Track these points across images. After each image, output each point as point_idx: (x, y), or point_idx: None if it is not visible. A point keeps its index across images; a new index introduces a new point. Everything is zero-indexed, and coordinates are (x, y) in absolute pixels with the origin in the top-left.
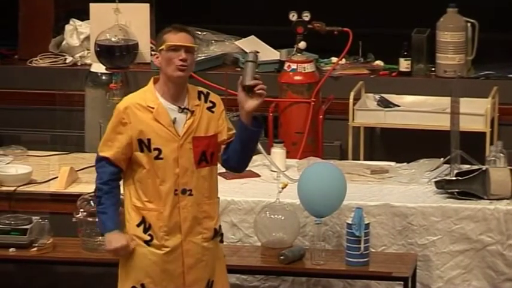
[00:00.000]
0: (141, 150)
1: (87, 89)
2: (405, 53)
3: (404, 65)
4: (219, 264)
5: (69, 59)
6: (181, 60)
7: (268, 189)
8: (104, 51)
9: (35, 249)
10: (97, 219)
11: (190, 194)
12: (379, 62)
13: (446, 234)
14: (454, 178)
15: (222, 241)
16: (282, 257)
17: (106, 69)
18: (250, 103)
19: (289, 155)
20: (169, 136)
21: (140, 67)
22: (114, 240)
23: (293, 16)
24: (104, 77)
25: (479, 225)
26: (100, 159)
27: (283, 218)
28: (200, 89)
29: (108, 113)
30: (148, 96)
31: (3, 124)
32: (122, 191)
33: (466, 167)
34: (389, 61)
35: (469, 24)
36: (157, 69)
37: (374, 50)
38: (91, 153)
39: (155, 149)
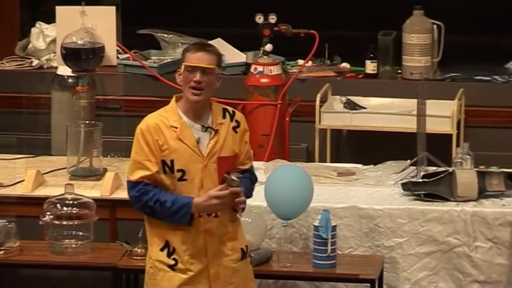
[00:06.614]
0: (164, 172)
1: (54, 92)
2: (371, 55)
3: (370, 67)
4: (251, 287)
5: (35, 62)
6: (195, 82)
7: None
8: (70, 54)
9: (2, 252)
10: (174, 218)
11: (216, 216)
12: (345, 64)
13: (413, 236)
14: (420, 180)
15: (251, 262)
16: None
17: (72, 72)
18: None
19: (256, 157)
20: (194, 157)
21: (106, 70)
22: (201, 200)
23: (259, 18)
24: (70, 80)
25: (446, 227)
26: (135, 184)
27: (250, 220)
28: (225, 106)
29: (75, 116)
30: (171, 115)
31: None
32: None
33: (432, 169)
34: (355, 63)
35: (435, 26)
36: (124, 71)
37: (340, 52)
38: (58, 156)
39: (178, 170)
